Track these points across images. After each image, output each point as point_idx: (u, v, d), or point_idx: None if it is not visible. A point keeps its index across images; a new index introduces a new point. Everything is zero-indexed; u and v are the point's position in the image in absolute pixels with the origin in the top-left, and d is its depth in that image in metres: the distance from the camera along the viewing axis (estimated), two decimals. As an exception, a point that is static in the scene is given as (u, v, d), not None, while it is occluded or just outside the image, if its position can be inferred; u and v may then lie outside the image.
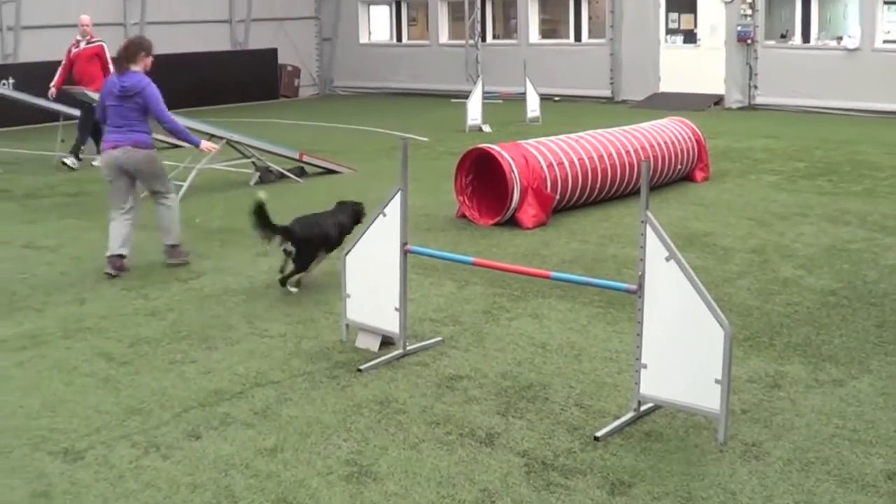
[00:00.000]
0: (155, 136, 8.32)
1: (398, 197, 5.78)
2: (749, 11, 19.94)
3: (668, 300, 4.74)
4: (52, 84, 13.87)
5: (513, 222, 9.49)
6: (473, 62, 23.95)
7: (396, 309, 5.90)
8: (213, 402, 5.38)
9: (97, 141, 14.03)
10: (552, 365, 5.86)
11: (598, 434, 4.85)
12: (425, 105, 22.30)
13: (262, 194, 7.12)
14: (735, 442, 4.77)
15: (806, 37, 19.85)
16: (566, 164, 9.89)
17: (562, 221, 9.70)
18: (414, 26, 26.48)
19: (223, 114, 20.28)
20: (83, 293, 7.52)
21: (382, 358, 5.93)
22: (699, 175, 11.77)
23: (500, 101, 21.47)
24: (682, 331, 4.72)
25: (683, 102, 19.56)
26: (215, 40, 23.62)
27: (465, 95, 18.38)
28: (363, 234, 6.07)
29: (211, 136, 10.87)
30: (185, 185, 11.02)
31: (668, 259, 4.69)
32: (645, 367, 4.89)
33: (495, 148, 9.69)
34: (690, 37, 21.12)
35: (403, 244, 5.82)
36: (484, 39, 24.35)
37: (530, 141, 10.19)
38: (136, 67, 8.02)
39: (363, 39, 26.51)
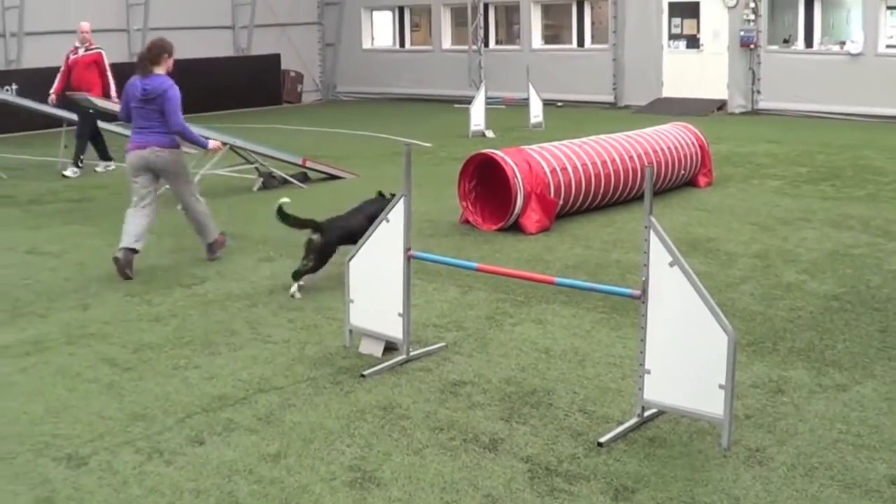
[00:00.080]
0: None
1: (402, 202, 5.79)
2: (752, 16, 19.94)
3: (671, 305, 4.74)
4: (52, 91, 13.91)
5: (516, 228, 9.49)
6: (476, 68, 23.96)
7: (400, 314, 5.90)
8: (217, 407, 5.38)
9: (97, 147, 14.06)
10: (556, 370, 5.86)
11: (602, 440, 4.84)
12: (428, 110, 22.32)
13: (284, 199, 7.34)
14: (739, 447, 4.76)
15: (809, 42, 19.85)
16: (569, 169, 9.89)
17: (565, 227, 9.70)
18: (417, 32, 26.51)
19: (226, 119, 20.29)
20: (87, 299, 7.53)
21: (386, 363, 5.93)
22: (702, 180, 11.77)
23: (503, 107, 21.50)
24: (686, 336, 4.71)
25: (686, 108, 19.56)
26: (218, 46, 23.64)
27: (468, 101, 18.40)
28: (367, 239, 6.07)
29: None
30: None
31: (671, 264, 4.69)
32: (648, 372, 4.89)
33: (498, 153, 9.70)
34: (693, 42, 21.13)
35: (407, 250, 5.83)
36: (487, 45, 24.35)
37: (533, 146, 10.19)
38: (160, 69, 8.17)
39: (366, 45, 26.53)
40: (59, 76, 13.82)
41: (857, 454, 4.68)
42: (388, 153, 15.15)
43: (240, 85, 23.34)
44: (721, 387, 4.61)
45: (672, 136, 11.35)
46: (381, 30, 26.86)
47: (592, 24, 23.02)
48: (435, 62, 24.96)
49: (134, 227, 8.11)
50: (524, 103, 18.80)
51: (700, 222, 9.87)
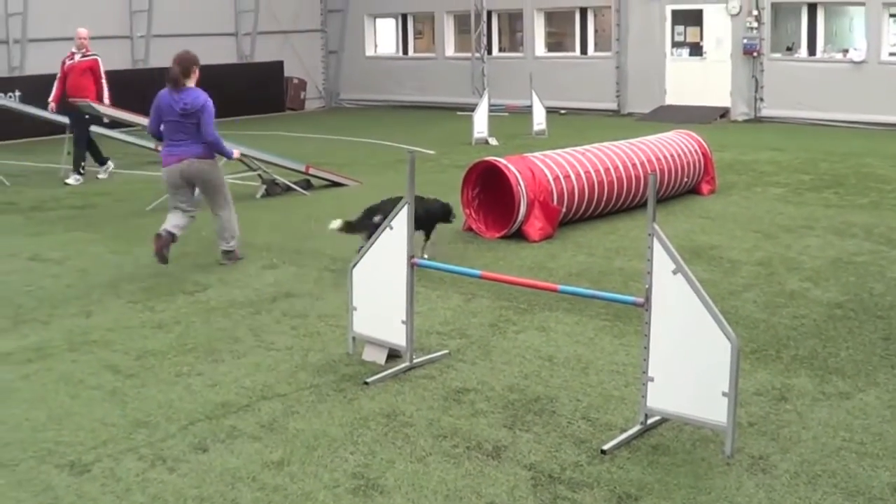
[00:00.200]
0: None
1: (405, 210, 5.79)
2: (755, 24, 19.96)
3: (674, 313, 4.74)
4: (51, 99, 13.85)
5: (519, 235, 9.49)
6: (479, 75, 24.01)
7: (403, 322, 5.90)
8: (220, 414, 5.38)
9: (94, 153, 14.05)
10: (559, 378, 5.86)
11: (605, 447, 4.84)
12: (431, 118, 22.34)
13: (334, 225, 7.65)
14: (742, 455, 4.76)
15: (812, 49, 19.87)
16: (572, 176, 9.89)
17: (568, 234, 9.70)
18: (420, 39, 26.54)
19: (229, 126, 20.27)
20: (89, 306, 7.53)
21: (389, 371, 5.92)
22: (705, 188, 11.77)
23: (506, 114, 21.52)
24: (689, 343, 4.71)
25: (689, 115, 19.57)
26: (222, 53, 23.62)
27: (472, 108, 18.41)
28: (370, 246, 6.08)
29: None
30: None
31: (674, 272, 4.69)
32: (652, 380, 4.88)
33: (502, 161, 9.70)
34: (696, 50, 21.15)
35: (410, 257, 5.83)
36: (490, 52, 24.39)
37: (537, 154, 10.20)
38: (191, 82, 8.29)
39: (369, 52, 26.56)
40: (56, 83, 13.78)
41: (860, 462, 4.67)
42: (392, 160, 15.15)
43: (243, 92, 23.31)
44: (724, 394, 4.61)
45: (675, 144, 11.36)
46: (384, 37, 26.90)
47: (596, 31, 23.04)
48: (438, 69, 24.99)
49: (175, 219, 8.39)
50: (527, 111, 18.82)
51: (703, 230, 9.86)
